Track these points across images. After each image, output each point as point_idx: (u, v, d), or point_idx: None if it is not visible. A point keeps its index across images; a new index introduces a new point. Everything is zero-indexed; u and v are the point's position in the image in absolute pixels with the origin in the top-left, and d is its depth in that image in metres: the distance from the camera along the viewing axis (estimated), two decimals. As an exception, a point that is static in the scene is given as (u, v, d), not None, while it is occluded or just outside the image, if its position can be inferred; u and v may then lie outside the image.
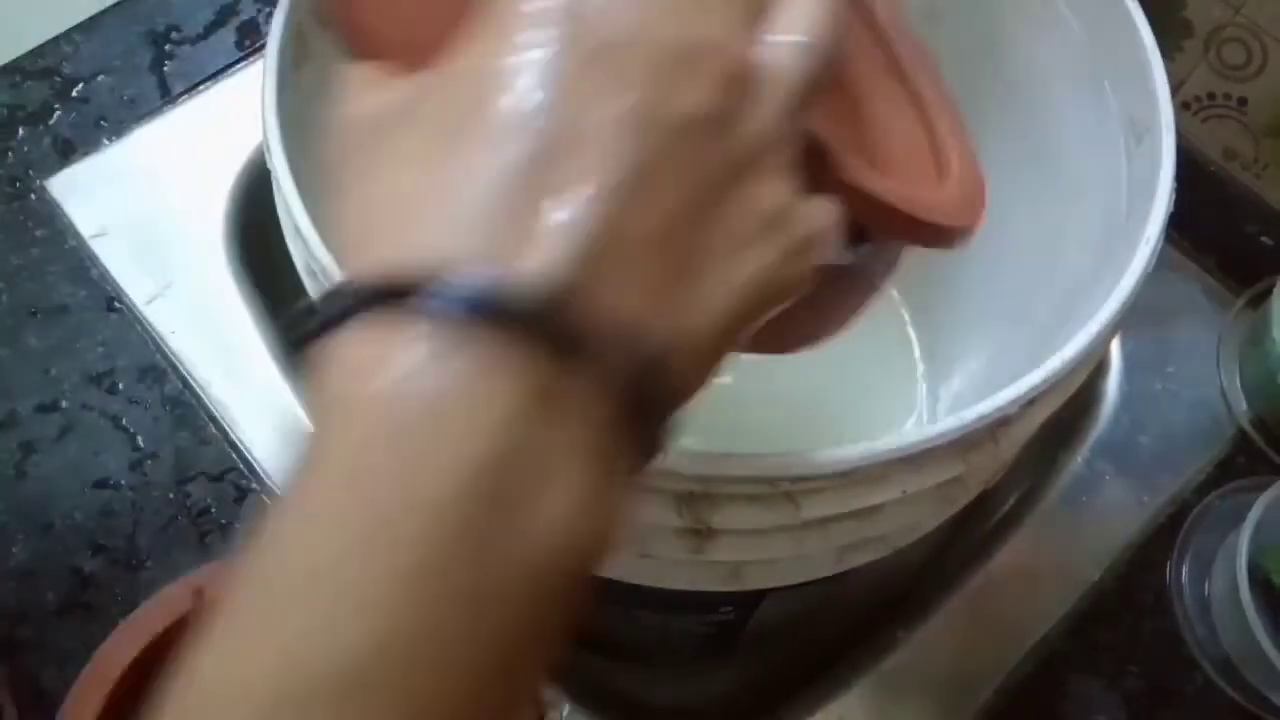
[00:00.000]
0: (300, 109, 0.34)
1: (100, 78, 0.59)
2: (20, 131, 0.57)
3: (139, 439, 0.50)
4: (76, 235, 0.54)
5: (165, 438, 0.50)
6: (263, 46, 0.53)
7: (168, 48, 0.60)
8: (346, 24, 0.21)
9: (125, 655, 0.41)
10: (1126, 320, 0.31)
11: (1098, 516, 0.52)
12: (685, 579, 0.33)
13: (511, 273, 0.16)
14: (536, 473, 0.16)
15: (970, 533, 0.52)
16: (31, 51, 0.59)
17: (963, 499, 0.33)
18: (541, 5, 0.18)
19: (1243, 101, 0.59)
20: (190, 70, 0.59)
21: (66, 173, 0.56)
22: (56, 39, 0.60)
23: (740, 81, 0.19)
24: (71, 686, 0.41)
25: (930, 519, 0.34)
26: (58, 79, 0.59)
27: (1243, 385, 0.55)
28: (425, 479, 0.16)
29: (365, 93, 0.20)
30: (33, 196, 0.55)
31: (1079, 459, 0.53)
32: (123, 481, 0.49)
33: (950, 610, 0.49)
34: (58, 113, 0.58)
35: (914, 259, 0.52)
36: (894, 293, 0.54)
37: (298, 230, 0.31)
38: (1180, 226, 0.58)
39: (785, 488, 0.28)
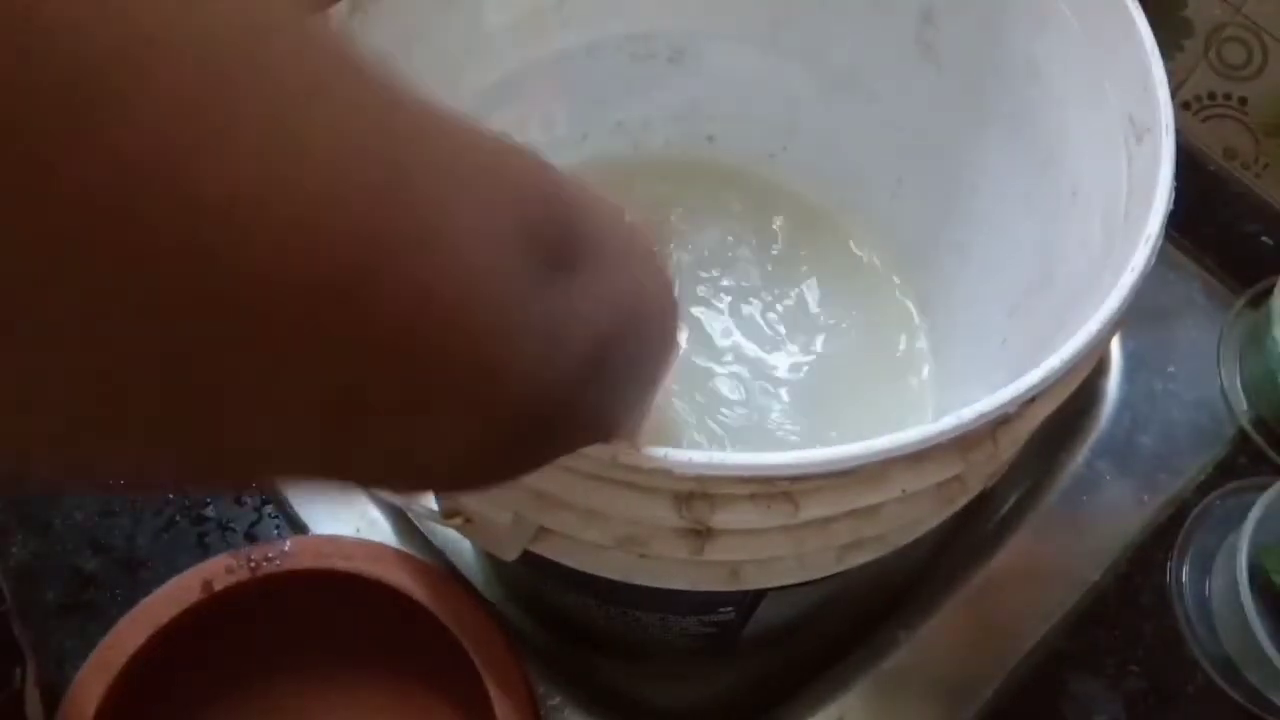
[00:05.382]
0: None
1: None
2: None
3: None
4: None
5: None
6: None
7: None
8: None
9: (130, 646, 0.41)
10: (1127, 319, 0.31)
11: (1098, 516, 0.51)
12: (684, 579, 0.32)
13: None
14: None
15: (970, 532, 0.52)
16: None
17: (962, 498, 0.33)
18: None
19: (1243, 101, 0.59)
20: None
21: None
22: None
23: None
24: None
25: (930, 518, 0.34)
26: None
27: (1243, 385, 0.55)
28: None
29: None
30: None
31: (1079, 459, 0.53)
32: (122, 481, 0.49)
33: (950, 610, 0.49)
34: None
35: (915, 257, 0.52)
36: (896, 290, 0.54)
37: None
38: (1180, 226, 0.58)
39: (784, 487, 0.28)
